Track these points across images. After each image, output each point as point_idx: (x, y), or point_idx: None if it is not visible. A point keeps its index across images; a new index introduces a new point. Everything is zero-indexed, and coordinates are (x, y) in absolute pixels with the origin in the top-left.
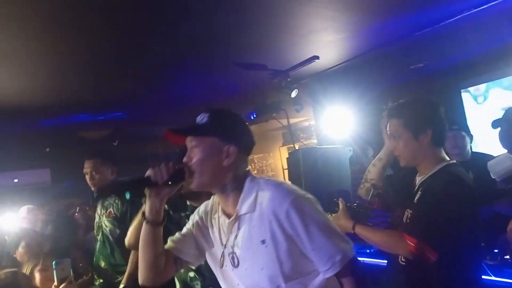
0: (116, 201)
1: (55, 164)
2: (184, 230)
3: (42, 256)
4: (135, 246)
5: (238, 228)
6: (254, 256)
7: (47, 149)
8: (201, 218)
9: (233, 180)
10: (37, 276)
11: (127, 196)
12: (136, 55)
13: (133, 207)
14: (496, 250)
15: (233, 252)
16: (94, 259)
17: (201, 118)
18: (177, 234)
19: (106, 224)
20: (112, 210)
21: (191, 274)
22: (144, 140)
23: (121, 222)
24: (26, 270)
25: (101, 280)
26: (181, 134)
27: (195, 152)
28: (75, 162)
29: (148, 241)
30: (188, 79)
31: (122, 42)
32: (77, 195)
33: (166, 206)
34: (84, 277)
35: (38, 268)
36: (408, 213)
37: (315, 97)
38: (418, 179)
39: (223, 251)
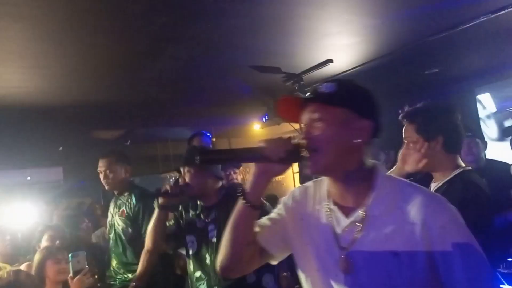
0: (129, 200)
1: (68, 162)
2: (271, 217)
3: (55, 249)
4: (156, 246)
5: (364, 230)
6: (378, 267)
7: (60, 148)
8: (296, 207)
9: (360, 168)
10: (50, 268)
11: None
12: (150, 58)
13: (146, 206)
14: (510, 259)
15: (349, 256)
16: (106, 257)
17: (327, 87)
18: (264, 220)
19: (119, 223)
20: (124, 209)
21: (198, 274)
22: (155, 140)
23: (134, 221)
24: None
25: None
26: (307, 101)
27: (318, 126)
28: (87, 161)
29: (242, 226)
30: (201, 81)
31: (138, 45)
32: (88, 193)
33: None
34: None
35: (51, 260)
36: None
37: None
38: (433, 186)
39: (333, 252)
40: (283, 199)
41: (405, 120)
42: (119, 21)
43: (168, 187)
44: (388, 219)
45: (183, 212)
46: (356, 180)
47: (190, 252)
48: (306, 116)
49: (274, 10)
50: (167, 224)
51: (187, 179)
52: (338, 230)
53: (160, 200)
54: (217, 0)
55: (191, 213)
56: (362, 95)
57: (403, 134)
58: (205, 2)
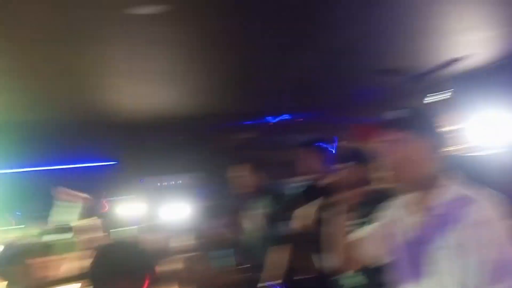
0: (267, 202)
1: (202, 169)
2: (375, 225)
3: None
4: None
5: (435, 228)
6: (445, 260)
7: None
8: (391, 215)
9: (427, 178)
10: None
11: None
12: (279, 67)
13: (283, 208)
14: None
15: (425, 251)
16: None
17: (400, 113)
18: (371, 226)
19: (260, 225)
20: (265, 211)
21: None
22: (285, 146)
23: (272, 223)
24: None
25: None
26: (389, 128)
27: (396, 148)
28: (218, 167)
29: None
30: (328, 88)
31: (265, 57)
32: (220, 198)
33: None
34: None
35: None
36: None
37: (465, 100)
38: None
39: (415, 248)
40: (382, 213)
41: None
42: (248, 37)
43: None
44: (449, 217)
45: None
46: (426, 187)
47: None
48: (383, 138)
49: (405, 8)
50: None
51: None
52: (415, 230)
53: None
54: (347, 7)
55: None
56: (428, 120)
57: None
58: (335, 10)
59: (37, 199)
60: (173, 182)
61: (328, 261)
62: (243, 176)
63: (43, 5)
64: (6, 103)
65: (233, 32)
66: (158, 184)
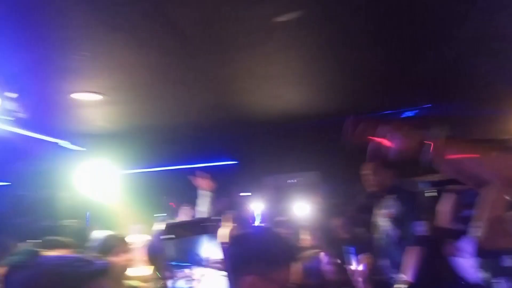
0: (395, 202)
1: (323, 167)
2: None
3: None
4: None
5: None
6: None
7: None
8: None
9: None
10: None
11: None
12: (412, 62)
13: (412, 209)
14: None
15: None
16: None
17: None
18: None
19: (385, 224)
20: (391, 211)
21: None
22: None
23: (401, 223)
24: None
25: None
26: None
27: None
28: (341, 165)
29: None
30: (464, 80)
31: (400, 52)
32: (340, 196)
33: None
34: None
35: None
36: None
37: None
38: None
39: None
40: None
41: None
42: (382, 33)
43: None
44: None
45: None
46: None
47: None
48: None
49: None
50: None
51: None
52: None
53: None
54: None
55: None
56: None
57: None
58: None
59: (173, 195)
60: (296, 180)
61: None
62: (369, 174)
63: (198, 22)
64: (156, 110)
65: (368, 29)
66: (281, 182)
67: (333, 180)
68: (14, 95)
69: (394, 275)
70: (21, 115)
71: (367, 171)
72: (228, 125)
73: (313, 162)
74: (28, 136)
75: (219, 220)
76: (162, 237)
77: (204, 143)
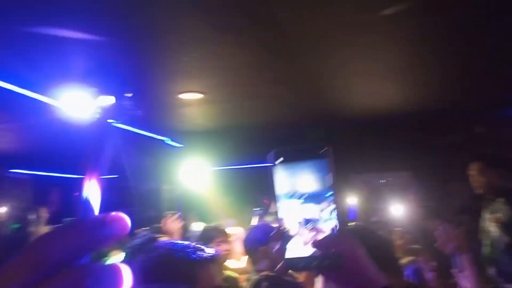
0: (505, 205)
1: (416, 167)
2: None
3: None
4: None
5: None
6: None
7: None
8: None
9: None
10: None
11: None
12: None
13: None
14: None
15: None
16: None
17: None
18: None
19: (493, 230)
20: (500, 216)
21: None
22: None
23: (510, 229)
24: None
25: None
26: None
27: None
28: (436, 165)
29: None
30: None
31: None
32: (435, 198)
33: None
34: None
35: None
36: None
37: None
38: None
39: None
40: None
41: None
42: (488, 27)
43: None
44: None
45: None
46: None
47: None
48: None
49: None
50: None
51: None
52: None
53: None
54: None
55: None
56: None
57: None
58: None
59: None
60: (386, 180)
61: None
62: (474, 174)
63: (302, 21)
64: (251, 108)
65: (473, 22)
66: (373, 181)
67: (427, 180)
68: (130, 95)
69: (502, 285)
70: (135, 114)
71: (473, 171)
72: (318, 123)
73: (405, 162)
74: (138, 133)
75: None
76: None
77: (293, 141)
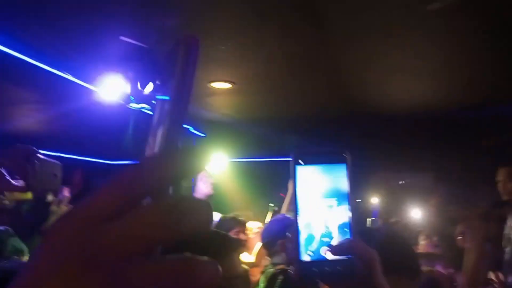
0: None
1: (438, 169)
2: None
3: None
4: None
5: None
6: None
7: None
8: None
9: None
10: None
11: None
12: None
13: None
14: None
15: None
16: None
17: None
18: None
19: None
20: None
21: None
22: None
23: None
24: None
25: None
26: None
27: None
28: (458, 168)
29: None
30: None
31: None
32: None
33: None
34: None
35: None
36: None
37: None
38: None
39: None
40: None
41: None
42: None
43: None
44: None
45: None
46: None
47: None
48: None
49: None
50: None
51: None
52: None
53: None
54: None
55: None
56: None
57: None
58: None
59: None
60: (404, 182)
61: None
62: (502, 180)
63: (343, 11)
64: (278, 100)
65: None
66: (393, 182)
67: (448, 183)
68: (159, 82)
69: None
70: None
71: (500, 177)
72: (342, 119)
73: (426, 163)
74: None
75: None
76: None
77: (315, 136)
